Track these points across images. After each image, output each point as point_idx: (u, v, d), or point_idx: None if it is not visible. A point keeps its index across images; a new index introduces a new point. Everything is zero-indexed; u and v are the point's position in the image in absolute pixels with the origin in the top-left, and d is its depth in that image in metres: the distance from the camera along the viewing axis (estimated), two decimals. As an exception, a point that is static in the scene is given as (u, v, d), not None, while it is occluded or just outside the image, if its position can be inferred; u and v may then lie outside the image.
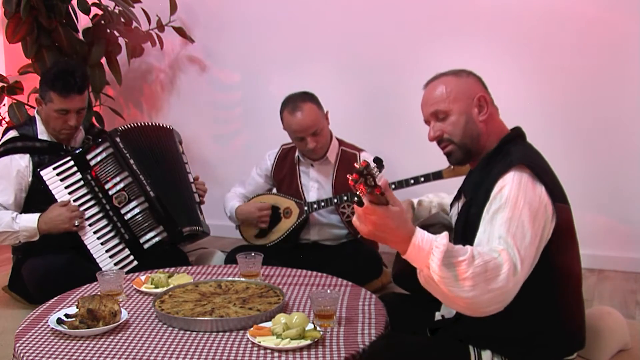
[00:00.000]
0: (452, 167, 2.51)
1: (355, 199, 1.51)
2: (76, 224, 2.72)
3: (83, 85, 2.78)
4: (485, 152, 1.81)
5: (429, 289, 1.55)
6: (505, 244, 1.53)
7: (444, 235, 1.50)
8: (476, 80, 1.85)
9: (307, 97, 2.96)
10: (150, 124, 3.04)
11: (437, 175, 2.61)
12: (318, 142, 2.94)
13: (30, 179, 2.80)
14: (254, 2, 4.06)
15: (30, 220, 2.72)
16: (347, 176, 1.46)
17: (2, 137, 2.89)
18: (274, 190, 3.23)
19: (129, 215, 2.79)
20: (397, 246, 1.55)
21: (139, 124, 2.98)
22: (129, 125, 2.94)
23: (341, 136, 3.14)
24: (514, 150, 1.73)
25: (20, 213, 2.77)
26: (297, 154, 3.10)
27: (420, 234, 1.52)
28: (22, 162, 2.79)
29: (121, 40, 4.03)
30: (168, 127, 3.08)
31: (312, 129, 2.91)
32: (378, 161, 2.06)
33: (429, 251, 1.49)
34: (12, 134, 2.85)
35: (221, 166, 4.26)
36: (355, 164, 1.46)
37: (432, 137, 1.84)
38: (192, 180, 3.06)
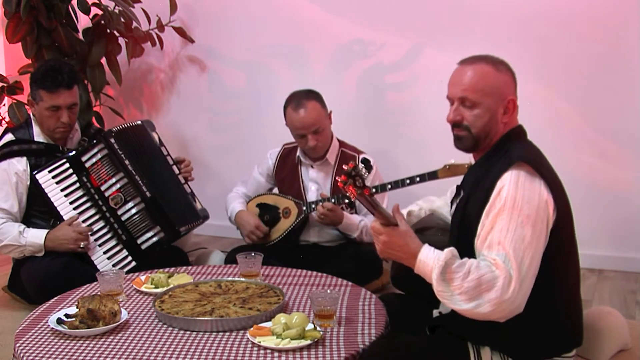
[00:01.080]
0: (447, 166, 2.53)
1: (346, 200, 1.57)
2: (82, 246, 2.71)
3: (71, 80, 2.76)
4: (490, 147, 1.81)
5: (442, 301, 1.64)
6: (504, 252, 1.57)
7: (448, 250, 1.61)
8: (512, 79, 1.80)
9: (311, 95, 2.97)
10: (133, 123, 2.98)
11: (433, 175, 2.60)
12: (319, 141, 2.95)
13: (28, 182, 2.79)
14: (253, 2, 4.06)
15: (37, 237, 2.71)
16: (336, 178, 1.51)
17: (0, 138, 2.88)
18: (275, 190, 3.23)
19: (125, 216, 2.78)
20: (408, 262, 1.68)
21: (129, 124, 2.94)
22: (122, 126, 2.91)
23: (342, 135, 3.14)
24: (513, 148, 1.73)
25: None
26: (298, 153, 3.10)
27: (426, 250, 1.64)
28: (19, 165, 2.78)
29: (121, 40, 4.03)
30: (140, 122, 3.00)
31: (313, 127, 2.91)
32: (366, 162, 2.09)
33: (432, 266, 1.60)
34: (8, 137, 2.84)
35: (221, 166, 4.26)
36: (343, 166, 1.50)
37: (452, 120, 1.80)
38: (177, 171, 3.00)
